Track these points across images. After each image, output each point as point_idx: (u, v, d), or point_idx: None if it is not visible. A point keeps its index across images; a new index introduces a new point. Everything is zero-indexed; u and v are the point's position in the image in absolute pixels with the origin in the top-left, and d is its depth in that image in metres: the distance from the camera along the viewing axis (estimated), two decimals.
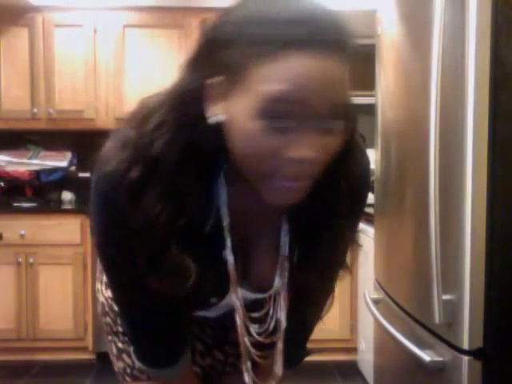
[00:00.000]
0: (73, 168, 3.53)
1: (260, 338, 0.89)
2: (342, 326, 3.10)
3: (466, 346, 1.22)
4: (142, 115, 0.77)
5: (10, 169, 3.37)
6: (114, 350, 1.07)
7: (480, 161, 1.20)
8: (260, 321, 0.89)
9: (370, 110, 2.27)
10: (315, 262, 0.84)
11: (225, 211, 0.79)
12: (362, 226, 2.98)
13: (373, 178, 2.42)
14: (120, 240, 0.79)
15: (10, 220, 3.11)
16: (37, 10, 3.32)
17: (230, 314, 0.98)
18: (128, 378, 1.05)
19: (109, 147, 0.80)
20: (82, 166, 3.60)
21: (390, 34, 1.83)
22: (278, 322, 0.89)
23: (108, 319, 1.08)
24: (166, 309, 0.90)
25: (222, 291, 0.87)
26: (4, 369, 3.05)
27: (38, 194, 3.45)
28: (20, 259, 3.10)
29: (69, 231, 3.09)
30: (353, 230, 0.89)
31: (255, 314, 0.89)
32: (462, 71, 1.21)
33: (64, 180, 3.50)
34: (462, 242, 1.22)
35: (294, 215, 0.83)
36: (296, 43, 0.61)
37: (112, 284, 0.93)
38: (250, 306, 0.90)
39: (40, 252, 3.09)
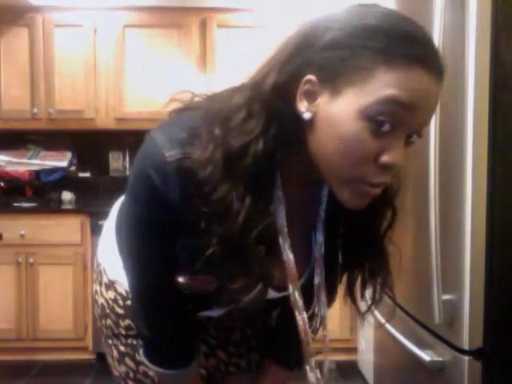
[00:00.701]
0: (73, 168, 3.53)
1: (313, 335, 0.91)
2: (342, 326, 3.10)
3: (466, 345, 1.22)
4: (221, 110, 0.76)
5: (10, 169, 3.37)
6: (116, 354, 1.05)
7: (480, 160, 1.20)
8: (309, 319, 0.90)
9: None
10: (353, 265, 0.92)
11: (282, 211, 0.79)
12: None
13: None
14: (166, 229, 0.80)
15: (10, 220, 3.11)
16: (37, 9, 3.32)
17: (232, 313, 0.98)
18: (131, 383, 1.04)
19: (175, 135, 0.77)
20: (81, 166, 3.61)
21: None
22: (322, 318, 0.91)
23: (109, 321, 1.05)
24: (185, 306, 0.92)
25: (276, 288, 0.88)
26: (4, 369, 3.04)
27: (38, 194, 3.45)
28: (20, 259, 3.10)
29: (69, 231, 3.09)
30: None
31: (309, 312, 0.90)
32: (462, 71, 1.21)
33: (64, 180, 3.50)
34: (462, 242, 1.22)
35: (332, 218, 0.86)
36: (423, 61, 0.68)
37: (137, 276, 0.90)
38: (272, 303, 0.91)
39: (40, 252, 3.09)
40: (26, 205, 3.25)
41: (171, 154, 0.75)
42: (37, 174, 3.40)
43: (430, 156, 1.26)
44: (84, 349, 3.15)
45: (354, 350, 3.11)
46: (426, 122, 0.74)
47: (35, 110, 3.34)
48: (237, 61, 3.19)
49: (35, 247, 3.08)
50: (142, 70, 3.34)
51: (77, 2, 3.30)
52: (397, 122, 0.68)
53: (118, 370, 1.06)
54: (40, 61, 3.35)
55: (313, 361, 0.93)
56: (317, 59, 0.69)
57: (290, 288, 0.85)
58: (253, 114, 0.73)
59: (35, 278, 3.11)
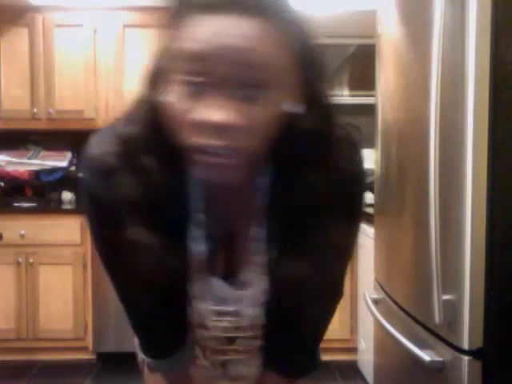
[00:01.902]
0: (73, 168, 3.52)
1: (221, 333, 0.87)
2: (342, 326, 3.10)
3: (466, 346, 1.22)
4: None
5: (10, 169, 3.37)
6: (135, 340, 1.06)
7: (480, 160, 1.20)
8: (234, 315, 0.87)
9: (370, 110, 2.27)
10: (297, 261, 0.80)
11: (197, 198, 0.79)
12: (362, 226, 2.98)
13: (372, 177, 2.42)
14: (99, 222, 0.82)
15: (10, 220, 3.11)
16: (37, 9, 3.32)
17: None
18: (145, 368, 1.05)
19: (94, 138, 0.82)
20: None
21: (390, 34, 1.83)
22: (255, 318, 0.87)
23: None
24: (158, 297, 0.90)
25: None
26: (4, 369, 3.04)
27: (38, 194, 3.45)
28: (20, 259, 3.10)
29: (69, 231, 3.09)
30: (345, 233, 0.84)
31: (229, 308, 0.87)
32: (461, 71, 1.21)
33: (64, 180, 3.49)
34: (462, 242, 1.22)
35: (274, 211, 0.79)
36: (213, 5, 0.63)
37: (103, 265, 0.92)
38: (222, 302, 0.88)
39: (40, 252, 3.09)
40: (25, 205, 3.24)
41: (93, 153, 0.78)
42: (37, 174, 3.40)
43: (429, 156, 1.26)
44: (84, 349, 3.15)
45: (354, 349, 3.11)
46: (243, 65, 0.63)
47: (35, 110, 3.34)
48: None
49: (35, 247, 3.08)
50: (142, 70, 3.34)
51: (77, 2, 3.30)
52: (203, 77, 0.63)
53: (139, 355, 1.07)
54: (40, 61, 3.35)
55: (202, 356, 0.92)
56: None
57: (197, 281, 0.84)
58: (141, 103, 0.76)
59: (35, 278, 3.11)
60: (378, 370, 2.09)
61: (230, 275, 0.87)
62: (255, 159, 0.70)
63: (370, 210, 2.84)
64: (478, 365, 1.22)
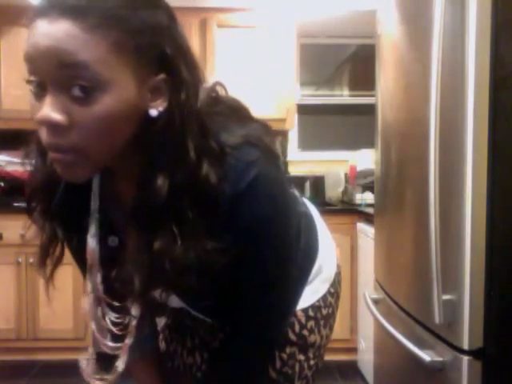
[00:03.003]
0: None
1: (113, 328, 0.89)
2: (342, 326, 3.10)
3: (466, 346, 1.22)
4: None
5: (10, 169, 3.37)
6: None
7: (480, 160, 1.20)
8: (120, 311, 0.89)
9: (370, 110, 2.27)
10: (139, 268, 0.77)
11: (95, 194, 0.85)
12: (361, 226, 2.99)
13: (372, 177, 2.42)
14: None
15: (10, 220, 3.11)
16: None
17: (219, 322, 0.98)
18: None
19: None
20: None
21: (390, 34, 1.83)
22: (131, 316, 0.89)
23: None
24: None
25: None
26: (4, 369, 3.04)
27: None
28: (20, 259, 3.10)
29: None
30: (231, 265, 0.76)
31: (117, 303, 0.89)
32: (461, 71, 1.21)
33: None
34: (462, 242, 1.22)
35: (133, 216, 0.78)
36: (38, 11, 0.67)
37: None
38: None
39: None
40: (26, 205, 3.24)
41: None
42: None
43: (429, 156, 1.26)
44: (84, 349, 3.15)
45: (354, 350, 3.11)
46: (59, 65, 0.65)
47: None
48: (237, 61, 3.19)
49: (35, 247, 3.08)
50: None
51: None
52: (39, 79, 0.68)
53: None
54: None
55: (92, 349, 0.96)
56: None
57: (88, 275, 0.90)
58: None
59: (35, 278, 3.11)
60: (377, 370, 2.09)
61: None
62: (97, 158, 0.71)
63: (370, 210, 2.84)
64: (478, 365, 1.22)
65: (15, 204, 3.24)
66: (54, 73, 0.66)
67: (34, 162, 0.83)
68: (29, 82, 0.69)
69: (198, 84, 0.76)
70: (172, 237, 0.73)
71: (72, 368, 3.18)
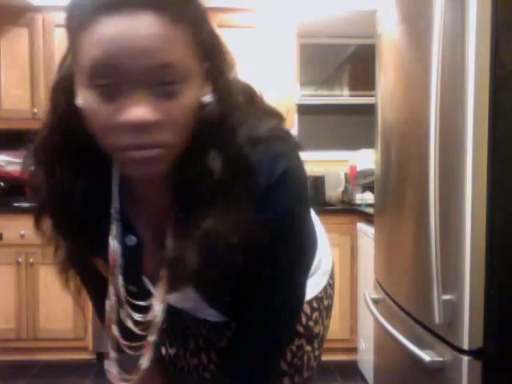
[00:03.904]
0: None
1: (134, 328, 0.87)
2: (342, 326, 3.10)
3: (465, 346, 1.22)
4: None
5: (10, 169, 3.37)
6: None
7: (480, 160, 1.20)
8: (145, 310, 0.87)
9: (370, 109, 2.27)
10: (196, 249, 0.76)
11: (116, 195, 0.82)
12: (361, 226, 2.98)
13: (372, 177, 2.42)
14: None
15: (10, 220, 3.11)
16: (37, 10, 3.32)
17: (225, 320, 0.98)
18: None
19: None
20: None
21: (390, 34, 1.83)
22: (155, 316, 0.86)
23: None
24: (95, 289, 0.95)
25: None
26: (4, 369, 3.04)
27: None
28: (20, 259, 3.10)
29: None
30: (266, 240, 0.76)
31: (142, 303, 0.87)
32: (461, 71, 1.21)
33: None
34: (462, 242, 1.22)
35: (178, 199, 0.79)
36: (107, 7, 0.62)
37: None
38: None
39: (40, 252, 3.09)
40: (25, 205, 3.24)
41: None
42: None
43: (429, 156, 1.26)
44: (84, 349, 3.15)
45: (354, 350, 3.11)
46: (155, 64, 0.64)
47: (35, 110, 3.34)
48: (237, 60, 3.19)
49: (35, 247, 3.08)
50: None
51: None
52: (116, 80, 0.64)
53: None
54: (40, 61, 3.35)
55: (115, 353, 0.92)
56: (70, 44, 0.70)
57: (110, 277, 0.86)
58: (49, 112, 0.78)
59: (35, 278, 3.11)
60: (377, 369, 2.09)
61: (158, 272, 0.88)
62: (177, 151, 0.71)
63: (370, 210, 2.84)
64: (478, 365, 1.22)
65: (15, 204, 3.24)
66: (143, 73, 0.63)
67: (36, 176, 0.81)
68: (97, 86, 0.65)
69: (231, 70, 0.78)
70: (222, 214, 0.74)
71: (72, 368, 3.17)
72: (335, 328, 3.05)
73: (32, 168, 0.81)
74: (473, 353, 1.22)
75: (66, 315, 3.13)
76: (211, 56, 0.73)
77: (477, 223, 1.21)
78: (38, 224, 0.84)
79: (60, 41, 3.34)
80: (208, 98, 0.73)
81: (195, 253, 0.75)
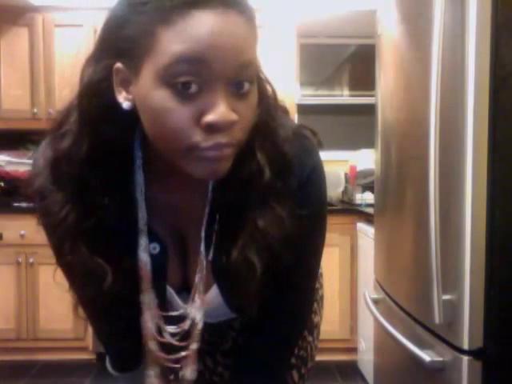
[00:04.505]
0: None
1: (173, 340, 0.85)
2: (342, 326, 3.10)
3: (465, 346, 1.22)
4: (59, 116, 0.77)
5: (10, 169, 3.37)
6: None
7: (480, 161, 1.20)
8: (176, 322, 0.85)
9: (370, 109, 2.27)
10: (252, 249, 0.76)
11: (142, 205, 0.78)
12: (361, 226, 2.98)
13: (372, 177, 2.42)
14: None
15: (10, 220, 3.11)
16: (37, 9, 3.32)
17: (227, 322, 0.97)
18: None
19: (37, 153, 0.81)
20: None
21: (390, 34, 1.83)
22: (193, 322, 0.85)
23: None
24: (114, 311, 0.88)
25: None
26: (4, 369, 3.05)
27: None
28: (20, 259, 3.10)
29: None
30: (301, 236, 0.78)
31: (173, 313, 0.85)
32: (462, 71, 1.21)
33: None
34: (462, 242, 1.22)
35: (214, 209, 0.78)
36: (198, 2, 0.60)
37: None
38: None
39: (40, 252, 3.09)
40: (25, 205, 3.24)
41: (30, 173, 0.79)
42: None
43: (429, 156, 1.26)
44: (84, 349, 3.15)
45: (354, 349, 3.11)
46: (240, 64, 0.63)
47: (35, 110, 3.34)
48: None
49: (35, 247, 3.08)
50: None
51: (77, 2, 3.30)
52: (200, 77, 0.62)
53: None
54: (40, 61, 3.35)
55: (157, 368, 0.89)
56: (118, 46, 0.66)
57: (144, 291, 0.82)
58: (70, 116, 0.73)
59: (35, 277, 3.11)
60: (377, 370, 2.09)
61: (187, 283, 0.86)
62: (239, 150, 0.70)
63: (370, 210, 2.84)
64: (478, 365, 1.22)
65: (15, 204, 3.24)
66: (230, 71, 0.62)
67: (52, 195, 0.75)
68: (175, 83, 0.62)
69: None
70: (272, 212, 0.75)
71: (72, 368, 3.17)
72: (335, 328, 3.06)
73: (47, 187, 0.74)
74: (473, 353, 1.22)
75: (66, 315, 3.12)
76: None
77: (477, 223, 1.21)
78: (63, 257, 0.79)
79: (60, 41, 3.35)
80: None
81: (255, 253, 0.75)
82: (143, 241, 0.80)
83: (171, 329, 0.85)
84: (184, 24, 0.60)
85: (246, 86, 0.65)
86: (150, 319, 0.84)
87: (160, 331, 0.85)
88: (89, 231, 0.75)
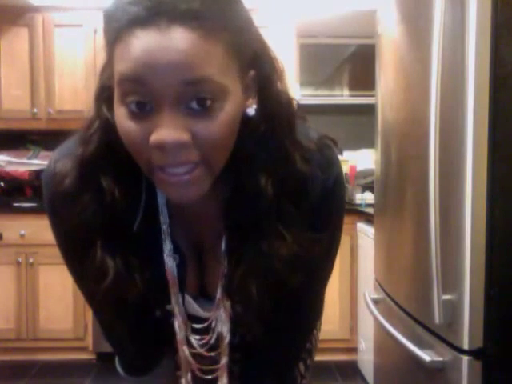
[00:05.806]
0: None
1: (202, 350, 0.84)
2: (342, 326, 3.10)
3: (466, 346, 1.22)
4: (87, 119, 0.76)
5: (9, 169, 3.37)
6: None
7: (480, 160, 1.20)
8: (202, 332, 0.84)
9: (370, 109, 2.27)
10: (254, 273, 0.75)
11: (164, 211, 0.77)
12: (361, 226, 2.98)
13: (372, 177, 2.42)
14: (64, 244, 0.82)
15: (10, 220, 3.11)
16: (37, 9, 3.32)
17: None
18: None
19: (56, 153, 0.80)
20: None
21: (390, 34, 1.83)
22: (219, 335, 0.84)
23: None
24: (127, 314, 0.85)
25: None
26: (4, 369, 3.04)
27: (38, 194, 3.45)
28: (20, 259, 3.10)
29: None
30: (316, 248, 0.76)
31: (198, 325, 0.84)
32: (462, 71, 1.21)
33: None
34: (462, 242, 1.22)
35: (231, 220, 0.76)
36: (142, 19, 0.58)
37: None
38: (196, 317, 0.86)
39: (40, 252, 3.09)
40: (25, 205, 3.24)
41: (51, 174, 0.78)
42: (37, 174, 3.39)
43: (429, 156, 1.26)
44: (84, 349, 3.15)
45: (354, 350, 3.11)
46: (187, 81, 0.58)
47: (35, 110, 3.34)
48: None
49: (35, 247, 3.08)
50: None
51: (77, 2, 3.30)
52: (150, 97, 0.60)
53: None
54: (40, 61, 3.35)
55: (189, 375, 0.89)
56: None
57: (172, 297, 0.82)
58: (94, 121, 0.73)
59: (35, 277, 3.11)
60: (377, 370, 2.09)
61: (205, 291, 0.85)
62: (216, 170, 0.67)
63: (370, 210, 2.84)
64: (478, 365, 1.23)
65: (15, 204, 3.25)
66: (174, 90, 0.59)
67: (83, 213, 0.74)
68: (128, 102, 0.61)
69: (280, 78, 0.73)
70: (278, 234, 0.73)
71: (72, 368, 3.18)
72: (335, 328, 3.05)
73: (74, 188, 0.73)
74: (473, 353, 1.22)
75: (66, 315, 3.13)
76: (256, 64, 0.68)
77: (477, 223, 1.21)
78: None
79: (60, 41, 3.35)
80: (252, 110, 0.69)
81: (254, 283, 0.74)
82: (167, 245, 0.79)
83: (196, 338, 0.85)
84: (126, 43, 0.59)
85: (209, 103, 0.60)
86: (181, 325, 0.84)
87: (187, 339, 0.85)
88: (112, 235, 0.74)
